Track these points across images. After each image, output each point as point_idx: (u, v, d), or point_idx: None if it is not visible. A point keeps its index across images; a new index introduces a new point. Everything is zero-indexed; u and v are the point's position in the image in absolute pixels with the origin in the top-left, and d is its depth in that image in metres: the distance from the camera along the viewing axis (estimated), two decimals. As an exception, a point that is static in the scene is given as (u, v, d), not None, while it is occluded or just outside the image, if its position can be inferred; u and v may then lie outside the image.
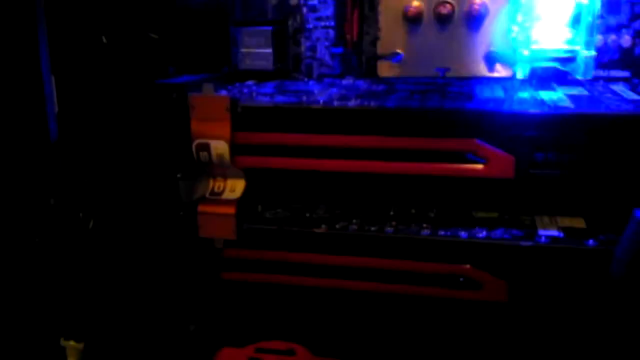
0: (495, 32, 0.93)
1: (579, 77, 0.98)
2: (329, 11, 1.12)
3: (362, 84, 1.05)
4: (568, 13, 0.97)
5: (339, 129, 0.89)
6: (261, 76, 1.13)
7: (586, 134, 0.83)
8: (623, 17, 1.04)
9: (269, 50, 1.10)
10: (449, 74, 0.94)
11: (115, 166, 0.97)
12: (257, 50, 1.10)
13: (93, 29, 0.95)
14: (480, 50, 0.93)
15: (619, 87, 0.99)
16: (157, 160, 0.95)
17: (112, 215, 0.98)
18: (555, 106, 0.85)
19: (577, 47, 0.98)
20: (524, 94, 0.93)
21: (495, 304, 0.88)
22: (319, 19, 1.14)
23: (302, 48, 1.16)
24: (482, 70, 0.94)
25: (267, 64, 1.10)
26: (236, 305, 1.01)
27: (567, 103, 0.87)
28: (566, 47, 0.97)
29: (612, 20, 1.04)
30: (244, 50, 1.10)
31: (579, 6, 0.97)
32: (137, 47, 0.98)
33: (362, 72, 1.09)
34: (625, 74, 1.07)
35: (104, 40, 0.94)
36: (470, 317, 0.89)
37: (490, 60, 0.93)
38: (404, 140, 0.87)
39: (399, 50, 0.95)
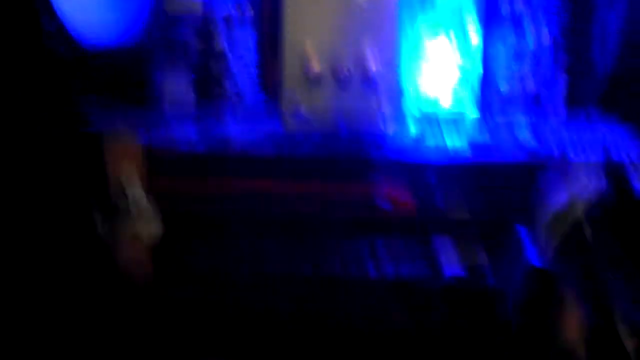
0: (390, 93, 0.98)
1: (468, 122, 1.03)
2: (253, 58, 1.15)
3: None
4: (457, 75, 1.04)
5: (256, 174, 0.93)
6: (185, 115, 1.15)
7: (480, 178, 0.88)
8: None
9: (191, 94, 1.12)
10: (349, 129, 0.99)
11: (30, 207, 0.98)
12: (179, 93, 1.13)
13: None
14: (376, 108, 0.98)
15: (522, 131, 1.05)
16: (75, 205, 0.96)
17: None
18: (450, 156, 0.90)
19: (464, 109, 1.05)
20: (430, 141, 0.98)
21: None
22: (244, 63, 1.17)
23: (227, 89, 1.19)
24: (379, 126, 0.99)
25: (190, 104, 1.13)
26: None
27: (466, 151, 0.92)
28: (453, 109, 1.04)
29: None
30: (166, 93, 1.12)
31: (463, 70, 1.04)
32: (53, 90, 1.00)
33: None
34: (530, 117, 1.12)
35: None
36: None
37: (386, 117, 0.99)
38: (314, 185, 0.91)
39: (300, 106, 0.99)
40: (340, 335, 0.95)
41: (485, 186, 0.89)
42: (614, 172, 0.82)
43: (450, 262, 0.94)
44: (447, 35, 1.05)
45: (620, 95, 1.08)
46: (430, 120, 1.00)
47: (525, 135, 1.02)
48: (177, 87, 1.13)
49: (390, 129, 0.95)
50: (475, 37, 1.06)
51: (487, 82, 1.08)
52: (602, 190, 0.80)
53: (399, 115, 0.98)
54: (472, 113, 1.05)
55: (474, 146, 0.95)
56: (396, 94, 0.98)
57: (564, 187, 0.80)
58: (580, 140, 0.97)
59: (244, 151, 0.93)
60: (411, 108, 1.02)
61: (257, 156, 0.92)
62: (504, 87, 1.11)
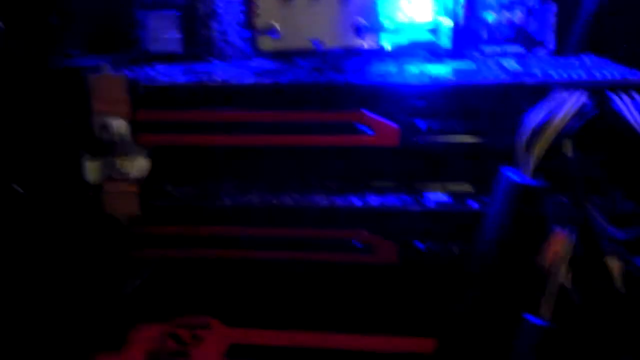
0: (365, 4, 0.98)
1: (444, 46, 1.03)
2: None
3: (269, 64, 1.09)
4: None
5: (238, 106, 0.93)
6: (172, 59, 1.15)
7: (465, 103, 0.88)
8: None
9: (177, 34, 1.12)
10: (324, 46, 0.98)
11: (17, 149, 0.99)
12: (164, 34, 1.12)
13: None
14: (350, 23, 0.98)
15: (508, 61, 1.04)
16: (60, 142, 0.97)
17: (17, 196, 1.00)
18: (436, 78, 0.90)
19: (440, 18, 1.04)
20: (414, 68, 0.98)
21: (387, 267, 0.92)
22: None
23: (214, 32, 1.19)
24: (353, 42, 0.99)
25: (176, 47, 1.12)
26: (150, 282, 1.03)
27: (450, 75, 0.92)
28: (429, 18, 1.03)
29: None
30: (151, 34, 1.12)
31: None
32: (36, 30, 1.00)
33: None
34: (518, 48, 1.12)
35: (2, 25, 0.96)
36: (364, 278, 0.94)
37: (360, 31, 0.98)
38: (296, 114, 0.91)
39: (275, 24, 0.99)
40: (327, 264, 0.96)
41: (468, 110, 0.88)
42: (595, 93, 0.82)
43: (435, 189, 0.94)
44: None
45: (606, 30, 1.08)
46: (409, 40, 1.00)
47: (509, 62, 1.01)
48: (162, 26, 1.13)
49: (365, 44, 0.95)
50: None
51: (472, 10, 1.07)
52: (583, 110, 0.80)
53: (374, 30, 0.98)
54: (452, 41, 1.05)
55: (456, 71, 0.95)
56: (371, 8, 0.97)
57: (545, 106, 0.80)
58: (564, 65, 0.96)
59: (227, 82, 0.93)
60: (387, 23, 1.01)
61: (240, 86, 0.92)
62: (490, 16, 1.10)
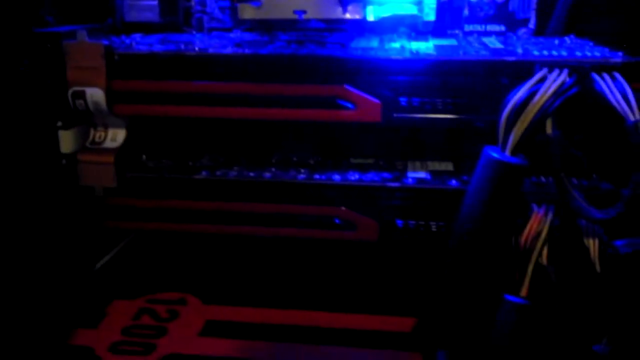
0: None
1: (428, 19, 1.02)
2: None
3: (250, 36, 1.07)
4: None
5: (215, 77, 0.91)
6: (149, 29, 1.13)
7: (446, 79, 0.87)
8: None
9: (155, 2, 1.09)
10: (306, 16, 0.97)
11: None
12: (142, 2, 1.10)
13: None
14: None
15: (489, 39, 1.04)
16: (34, 110, 0.94)
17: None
18: (417, 53, 0.89)
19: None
20: (395, 44, 0.97)
21: (367, 243, 0.92)
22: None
23: (192, 2, 1.17)
24: (336, 13, 0.98)
25: (154, 16, 1.10)
26: (127, 257, 1.02)
27: (432, 51, 0.91)
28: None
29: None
30: (129, 2, 1.09)
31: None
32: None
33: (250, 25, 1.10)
34: (500, 27, 1.12)
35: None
36: (344, 255, 0.94)
37: (344, 2, 0.97)
38: (275, 87, 0.89)
39: None
40: (307, 240, 0.95)
41: (450, 87, 0.87)
42: (576, 72, 0.82)
43: (416, 167, 0.94)
44: None
45: (588, 11, 1.08)
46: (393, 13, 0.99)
47: (491, 40, 1.01)
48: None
49: (349, 15, 0.94)
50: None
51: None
52: (564, 88, 0.79)
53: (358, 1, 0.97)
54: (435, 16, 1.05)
55: (438, 47, 0.94)
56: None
57: (526, 84, 0.80)
58: (545, 44, 0.96)
59: (205, 51, 0.91)
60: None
61: (218, 56, 0.90)
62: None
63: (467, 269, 0.85)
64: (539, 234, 0.82)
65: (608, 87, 0.79)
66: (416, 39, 1.02)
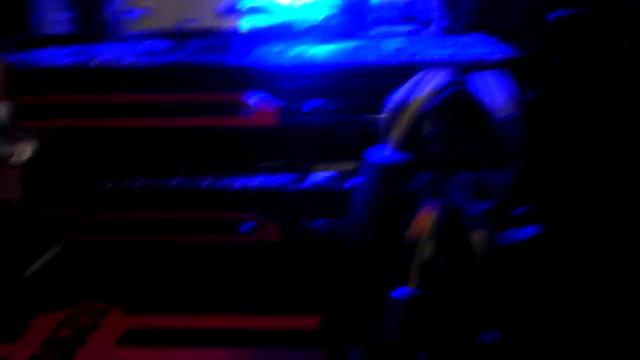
0: None
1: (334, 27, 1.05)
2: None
3: (159, 45, 1.08)
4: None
5: (116, 88, 0.93)
6: (68, 41, 1.14)
7: (338, 82, 0.90)
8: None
9: (68, 16, 1.11)
10: (192, 27, 0.99)
11: None
12: (56, 16, 1.11)
13: None
14: (216, 5, 0.99)
15: (391, 41, 1.06)
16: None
17: None
18: (312, 59, 0.91)
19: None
20: (296, 50, 0.99)
21: (270, 244, 0.95)
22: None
23: (106, 12, 1.17)
24: (221, 23, 1.00)
25: (68, 29, 1.11)
26: (55, 267, 1.04)
27: (328, 56, 0.93)
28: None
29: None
30: (43, 16, 1.10)
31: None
32: None
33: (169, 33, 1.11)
34: (407, 28, 1.14)
35: None
36: (251, 257, 0.96)
37: (228, 13, 0.99)
38: (173, 96, 0.91)
39: (148, 4, 1.00)
40: (215, 245, 0.97)
41: (343, 90, 0.90)
42: (455, 72, 0.85)
43: (317, 168, 0.96)
44: None
45: (494, 8, 1.11)
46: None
47: (391, 42, 1.03)
48: (53, 8, 1.12)
49: (229, 24, 0.96)
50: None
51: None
52: (442, 88, 0.82)
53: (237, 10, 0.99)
54: (343, 22, 1.07)
55: (336, 52, 0.96)
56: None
57: (406, 86, 0.82)
58: (440, 45, 0.99)
59: (104, 63, 0.93)
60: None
61: (117, 67, 0.92)
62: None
63: (358, 265, 0.88)
64: (426, 228, 0.84)
65: (481, 85, 0.82)
66: (320, 43, 1.04)
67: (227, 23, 0.97)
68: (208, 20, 0.97)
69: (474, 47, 0.93)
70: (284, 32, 1.05)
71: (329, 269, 0.94)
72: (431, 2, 1.14)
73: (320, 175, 0.94)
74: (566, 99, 1.19)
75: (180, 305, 1.00)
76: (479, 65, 0.84)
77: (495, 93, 0.80)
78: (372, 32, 1.11)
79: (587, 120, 1.11)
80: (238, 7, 0.97)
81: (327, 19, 1.10)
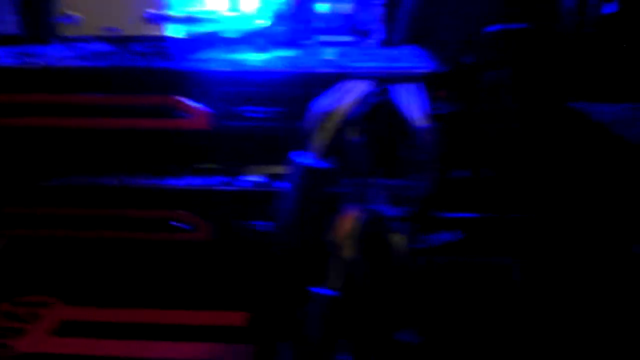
0: None
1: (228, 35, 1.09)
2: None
3: (103, 48, 1.11)
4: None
5: (56, 88, 0.96)
6: (15, 42, 1.15)
7: (270, 88, 0.93)
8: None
9: (15, 16, 1.13)
10: (120, 33, 1.02)
11: None
12: (4, 16, 1.13)
13: None
14: (142, 11, 1.02)
15: (329, 50, 1.10)
16: None
17: None
18: (245, 66, 0.95)
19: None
20: (235, 56, 1.02)
21: (202, 243, 0.98)
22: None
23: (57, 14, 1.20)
24: (147, 30, 1.03)
25: (14, 29, 1.13)
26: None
27: (262, 63, 0.97)
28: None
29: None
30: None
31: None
32: None
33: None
34: (349, 38, 1.19)
35: None
36: (185, 255, 0.99)
37: (155, 20, 1.02)
38: (111, 98, 0.94)
39: (72, 12, 1.02)
40: (148, 242, 1.00)
41: (275, 97, 0.94)
42: (379, 83, 0.89)
43: (249, 171, 1.00)
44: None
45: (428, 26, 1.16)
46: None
47: (327, 51, 1.08)
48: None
49: (158, 31, 0.99)
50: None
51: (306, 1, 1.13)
52: (366, 98, 0.86)
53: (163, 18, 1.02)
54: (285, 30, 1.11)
55: (270, 60, 1.00)
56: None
57: (331, 94, 0.86)
58: (373, 56, 1.03)
59: (46, 65, 0.95)
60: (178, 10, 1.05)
61: (57, 69, 0.95)
62: (324, 7, 1.17)
63: (283, 265, 0.91)
64: (348, 232, 0.88)
65: (401, 96, 0.87)
66: (259, 51, 1.08)
67: (154, 31, 1.00)
68: (134, 28, 0.99)
69: (401, 60, 0.98)
70: (224, 40, 1.08)
71: (258, 268, 0.98)
72: (374, 15, 1.18)
73: (250, 178, 0.97)
74: (491, 111, 1.26)
75: (116, 299, 1.02)
76: (402, 78, 0.89)
77: (412, 105, 0.85)
78: (312, 42, 1.15)
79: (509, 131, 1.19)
80: (167, 14, 1.00)
81: (269, 27, 1.14)
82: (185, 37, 1.04)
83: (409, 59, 1.00)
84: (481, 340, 1.09)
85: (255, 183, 0.97)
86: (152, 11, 0.99)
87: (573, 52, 1.22)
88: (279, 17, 1.13)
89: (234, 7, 1.13)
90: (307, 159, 0.86)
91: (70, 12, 1.01)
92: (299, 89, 0.93)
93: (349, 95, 0.86)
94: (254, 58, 1.00)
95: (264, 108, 0.95)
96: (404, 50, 1.09)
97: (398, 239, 0.90)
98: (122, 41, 1.10)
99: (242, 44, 1.09)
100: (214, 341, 1.00)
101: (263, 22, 1.11)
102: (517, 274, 1.28)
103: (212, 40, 1.08)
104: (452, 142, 1.31)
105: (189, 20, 1.02)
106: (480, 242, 1.37)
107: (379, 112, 0.88)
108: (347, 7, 1.19)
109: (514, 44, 1.34)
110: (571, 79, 1.24)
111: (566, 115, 1.15)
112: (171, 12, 1.00)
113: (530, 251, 1.29)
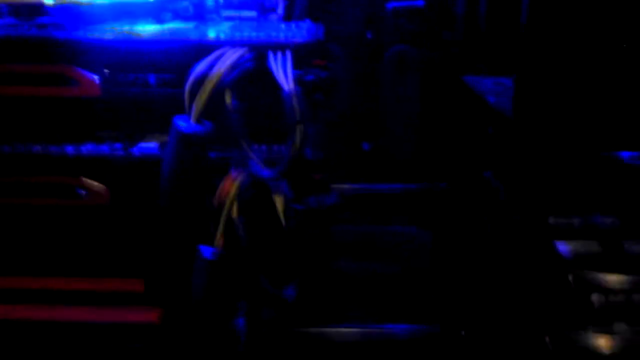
0: None
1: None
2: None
3: (8, 21, 1.14)
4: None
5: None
6: None
7: (159, 57, 0.98)
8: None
9: None
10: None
11: None
12: None
13: None
14: None
15: (227, 24, 1.14)
16: None
17: None
18: (130, 35, 0.99)
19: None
20: (127, 26, 1.06)
21: (99, 207, 1.02)
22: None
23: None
24: None
25: None
26: None
27: (150, 35, 1.01)
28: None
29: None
30: None
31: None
32: None
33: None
34: (252, 13, 1.23)
35: None
36: (79, 219, 1.03)
37: None
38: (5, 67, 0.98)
39: None
40: (46, 207, 1.04)
41: (167, 65, 0.98)
42: (255, 51, 0.94)
43: (147, 138, 1.04)
44: None
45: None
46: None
47: (223, 25, 1.12)
48: None
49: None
50: None
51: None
52: (239, 64, 0.91)
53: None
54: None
55: (163, 31, 1.04)
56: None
57: (207, 60, 0.91)
58: (266, 27, 1.07)
59: None
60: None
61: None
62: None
63: (170, 227, 0.96)
64: (230, 193, 0.93)
65: (276, 64, 0.92)
66: (158, 23, 1.11)
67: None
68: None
69: (283, 32, 1.02)
70: (125, 11, 1.12)
71: (151, 232, 1.03)
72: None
73: (143, 144, 1.01)
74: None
75: (16, 266, 1.06)
76: (275, 46, 0.94)
77: (283, 71, 0.90)
78: (216, 17, 1.19)
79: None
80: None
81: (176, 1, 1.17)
82: (87, 7, 1.08)
83: (291, 31, 1.04)
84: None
85: (147, 150, 1.01)
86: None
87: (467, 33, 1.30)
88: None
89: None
90: (185, 123, 0.90)
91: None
92: (182, 57, 0.97)
93: (222, 62, 0.91)
94: (144, 29, 1.04)
95: (155, 76, 0.99)
96: (296, 24, 1.13)
97: (277, 200, 0.95)
98: (25, 15, 1.14)
99: (147, 17, 1.12)
100: (118, 305, 1.05)
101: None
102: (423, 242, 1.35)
103: (115, 12, 1.12)
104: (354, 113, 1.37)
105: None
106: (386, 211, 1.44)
107: (254, 79, 0.93)
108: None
109: (415, 21, 1.41)
110: (468, 56, 1.31)
111: (460, 86, 1.22)
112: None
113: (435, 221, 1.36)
